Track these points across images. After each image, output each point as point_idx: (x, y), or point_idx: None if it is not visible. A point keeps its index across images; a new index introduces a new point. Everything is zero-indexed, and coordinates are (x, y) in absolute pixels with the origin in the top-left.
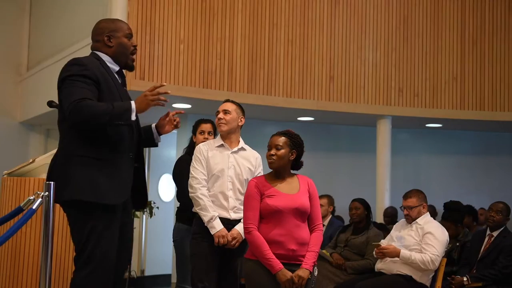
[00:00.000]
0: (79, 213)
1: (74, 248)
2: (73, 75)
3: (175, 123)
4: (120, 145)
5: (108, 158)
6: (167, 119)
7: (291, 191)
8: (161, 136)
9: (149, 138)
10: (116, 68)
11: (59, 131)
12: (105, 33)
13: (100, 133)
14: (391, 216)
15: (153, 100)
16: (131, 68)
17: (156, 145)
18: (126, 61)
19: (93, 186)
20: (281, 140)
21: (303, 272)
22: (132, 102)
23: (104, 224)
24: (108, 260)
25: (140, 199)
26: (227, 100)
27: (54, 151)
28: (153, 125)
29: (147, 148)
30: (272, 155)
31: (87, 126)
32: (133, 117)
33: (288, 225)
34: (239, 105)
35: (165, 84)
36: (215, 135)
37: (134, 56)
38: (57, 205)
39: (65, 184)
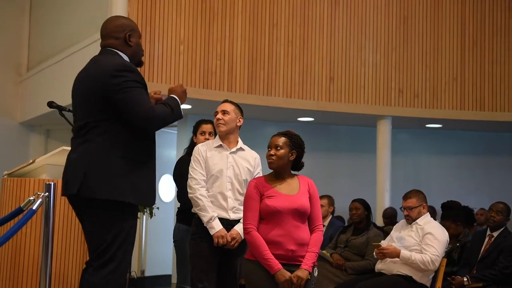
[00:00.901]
0: (110, 214)
1: (91, 246)
2: (130, 80)
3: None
4: (153, 149)
5: (145, 161)
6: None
7: (291, 191)
8: (161, 137)
9: None
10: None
11: (89, 128)
12: (127, 31)
13: (140, 136)
14: (390, 217)
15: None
16: (141, 64)
17: None
18: (139, 60)
19: (134, 188)
20: (281, 140)
21: (302, 273)
22: (176, 97)
23: (131, 226)
24: (126, 262)
25: None
26: (226, 101)
27: (55, 151)
28: None
29: None
30: (272, 155)
31: (156, 131)
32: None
33: (288, 225)
34: (237, 106)
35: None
36: (215, 135)
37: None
38: (57, 205)
39: (103, 183)
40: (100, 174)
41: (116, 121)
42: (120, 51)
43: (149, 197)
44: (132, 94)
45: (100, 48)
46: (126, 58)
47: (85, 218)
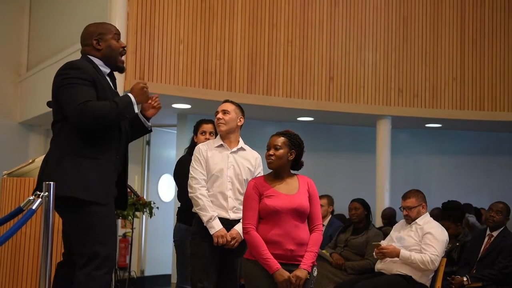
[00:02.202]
0: (73, 212)
1: (74, 248)
2: (71, 77)
3: (155, 104)
4: (107, 145)
5: (97, 157)
6: (149, 102)
7: (290, 191)
8: (161, 136)
9: (139, 125)
10: (107, 70)
11: (52, 131)
12: (94, 37)
13: (92, 133)
14: (389, 218)
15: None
16: (121, 70)
17: (149, 131)
18: (116, 63)
19: (85, 186)
20: (280, 140)
21: (300, 272)
22: (130, 95)
23: (101, 221)
24: (110, 257)
25: (120, 201)
26: (226, 100)
27: None
28: (138, 112)
29: (146, 148)
30: (271, 155)
31: (95, 127)
32: (136, 110)
33: (287, 225)
34: (238, 105)
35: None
36: (216, 135)
37: (124, 58)
38: None
39: (56, 181)
40: (53, 172)
41: (66, 120)
42: (93, 56)
43: (101, 195)
44: (69, 90)
45: None
46: (98, 62)
47: (61, 218)
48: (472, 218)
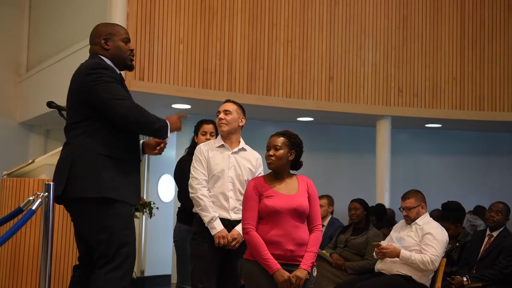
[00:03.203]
0: (98, 213)
1: (95, 250)
2: (106, 76)
3: (158, 148)
4: (135, 147)
5: (126, 159)
6: (157, 145)
7: (290, 191)
8: None
9: None
10: (117, 71)
11: (68, 131)
12: (102, 36)
13: (120, 135)
14: (388, 219)
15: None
16: (130, 68)
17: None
18: (125, 62)
19: (114, 186)
20: (280, 140)
21: (300, 273)
22: (167, 121)
23: (124, 223)
24: (130, 259)
25: None
26: (228, 100)
27: (55, 151)
28: (141, 141)
29: None
30: (271, 155)
31: (135, 128)
32: (167, 135)
33: (286, 225)
34: (240, 105)
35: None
36: (217, 135)
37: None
38: (57, 205)
39: (84, 181)
40: (81, 173)
41: (95, 120)
42: (102, 55)
43: (132, 196)
44: (111, 87)
45: None
46: (108, 62)
47: (78, 220)
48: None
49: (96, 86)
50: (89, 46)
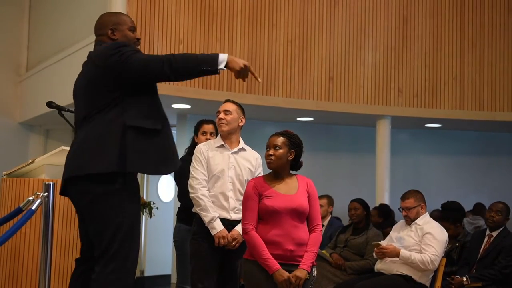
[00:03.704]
0: (106, 199)
1: (95, 242)
2: (130, 51)
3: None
4: (165, 118)
5: (159, 129)
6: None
7: (290, 191)
8: None
9: None
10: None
11: (91, 116)
12: (109, 26)
13: (153, 107)
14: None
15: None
16: None
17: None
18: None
19: (142, 156)
20: (280, 140)
21: (300, 272)
22: (225, 55)
23: (132, 216)
24: (133, 259)
25: None
26: (228, 100)
27: (55, 151)
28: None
29: None
30: (271, 155)
31: (186, 76)
32: (221, 66)
33: (286, 225)
34: (239, 105)
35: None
36: (217, 135)
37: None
38: (57, 206)
39: (95, 155)
40: (95, 147)
41: (126, 100)
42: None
43: (172, 164)
44: (139, 54)
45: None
46: None
47: (84, 212)
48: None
49: (127, 60)
50: (88, 46)
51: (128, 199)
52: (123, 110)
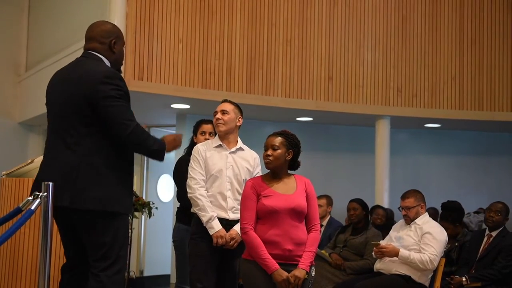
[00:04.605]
0: (103, 221)
1: (93, 252)
2: (123, 91)
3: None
4: (133, 158)
5: (129, 172)
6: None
7: (288, 191)
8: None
9: None
10: None
11: (72, 135)
12: (113, 38)
13: (121, 147)
14: (387, 219)
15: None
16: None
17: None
18: (118, 69)
19: (121, 199)
20: (278, 140)
21: (299, 272)
22: (165, 143)
23: (125, 227)
24: (126, 261)
25: None
26: (225, 100)
27: None
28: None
29: None
30: (269, 155)
31: (132, 149)
32: (163, 158)
33: (285, 225)
34: (237, 105)
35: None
36: (216, 135)
37: None
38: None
39: (94, 194)
40: (88, 185)
41: (98, 129)
42: (103, 56)
43: (130, 206)
44: (122, 105)
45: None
46: (108, 64)
47: (78, 228)
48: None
49: (109, 100)
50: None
51: (120, 217)
52: (97, 142)
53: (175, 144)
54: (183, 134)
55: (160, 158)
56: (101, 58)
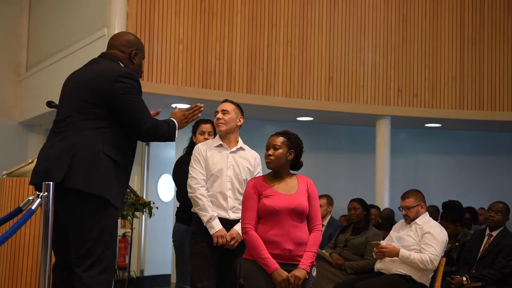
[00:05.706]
0: (94, 209)
1: (76, 248)
2: (136, 89)
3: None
4: (133, 155)
5: (128, 167)
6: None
7: (289, 191)
8: None
9: None
10: None
11: (77, 121)
12: (134, 49)
13: (128, 144)
14: (388, 219)
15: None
16: None
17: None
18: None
19: (116, 191)
20: (279, 140)
21: (299, 272)
22: (175, 121)
23: (114, 225)
24: (114, 260)
25: None
26: (226, 100)
27: None
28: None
29: (146, 149)
30: (270, 155)
31: (151, 141)
32: (175, 136)
33: (285, 225)
34: (237, 105)
35: (202, 105)
36: (215, 135)
37: None
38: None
39: (90, 177)
40: (83, 165)
41: (106, 122)
42: (122, 63)
43: (120, 201)
44: (139, 102)
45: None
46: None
47: (68, 213)
48: None
49: (126, 96)
50: (88, 46)
51: (111, 207)
52: (101, 131)
53: (187, 120)
54: (182, 133)
55: (172, 139)
56: (118, 61)
